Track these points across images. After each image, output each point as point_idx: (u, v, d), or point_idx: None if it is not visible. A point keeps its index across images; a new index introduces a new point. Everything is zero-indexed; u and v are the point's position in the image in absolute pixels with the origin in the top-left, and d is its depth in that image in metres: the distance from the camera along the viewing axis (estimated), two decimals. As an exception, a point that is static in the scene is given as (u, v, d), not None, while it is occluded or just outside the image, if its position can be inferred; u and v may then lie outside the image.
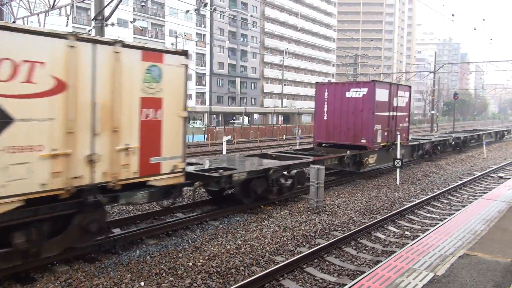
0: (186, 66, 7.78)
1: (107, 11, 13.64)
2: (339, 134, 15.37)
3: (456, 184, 14.32)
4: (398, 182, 14.48)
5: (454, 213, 9.28)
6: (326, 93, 15.72)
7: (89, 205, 6.59)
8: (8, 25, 5.72)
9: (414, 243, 6.44)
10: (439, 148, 22.14)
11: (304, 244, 8.00)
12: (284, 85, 67.67)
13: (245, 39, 70.01)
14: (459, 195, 13.01)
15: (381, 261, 6.54)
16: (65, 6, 17.11)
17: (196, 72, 61.08)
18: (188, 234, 8.45)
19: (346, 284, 5.63)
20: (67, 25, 20.67)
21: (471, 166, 19.70)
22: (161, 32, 57.57)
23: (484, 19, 37.21)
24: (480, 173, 16.75)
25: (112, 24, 22.17)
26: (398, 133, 15.72)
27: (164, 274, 6.41)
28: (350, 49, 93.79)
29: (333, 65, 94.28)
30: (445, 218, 9.69)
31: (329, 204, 11.20)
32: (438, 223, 8.89)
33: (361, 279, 5.06)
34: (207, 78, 64.46)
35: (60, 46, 6.06)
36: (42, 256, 6.31)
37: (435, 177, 16.29)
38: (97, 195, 6.63)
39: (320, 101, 15.93)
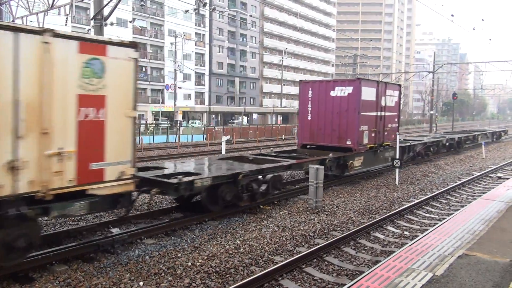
0: (136, 60, 6.97)
1: (106, 11, 13.63)
2: (323, 135, 14.63)
3: (455, 184, 14.34)
4: (397, 182, 14.49)
5: (453, 213, 9.29)
6: (310, 92, 14.89)
7: (11, 219, 5.78)
8: None
9: (413, 243, 6.44)
10: (431, 149, 21.45)
11: (303, 244, 8.00)
12: (284, 85, 67.70)
13: (244, 39, 69.98)
14: (458, 195, 13.02)
15: (380, 261, 6.55)
16: (64, 6, 17.09)
17: (195, 72, 61.07)
18: (187, 234, 8.44)
19: (345, 284, 5.63)
20: (66, 25, 20.64)
21: (470, 166, 19.72)
22: (160, 31, 57.53)
23: (483, 20, 37.33)
24: (479, 173, 16.77)
25: (111, 24, 22.15)
26: (397, 133, 15.70)
27: (163, 274, 6.41)
28: (349, 49, 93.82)
29: (333, 65, 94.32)
30: (444, 218, 9.70)
31: (328, 204, 11.21)
32: (437, 223, 8.90)
33: (360, 279, 5.06)
34: (206, 78, 64.44)
35: None
36: None
37: (434, 177, 16.30)
38: (21, 207, 5.79)
39: (304, 100, 15.10)
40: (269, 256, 7.29)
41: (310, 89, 14.90)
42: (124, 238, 7.75)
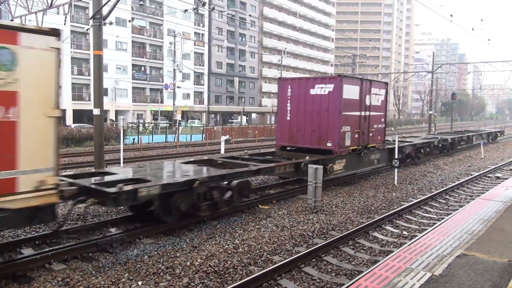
0: (59, 50, 6.10)
1: (105, 10, 13.61)
2: (303, 136, 13.69)
3: (454, 184, 14.35)
4: (396, 182, 14.50)
5: (451, 213, 9.30)
6: (289, 90, 13.97)
7: None
8: None
9: (411, 243, 6.44)
10: (422, 151, 20.25)
11: (302, 243, 8.01)
12: (283, 84, 67.53)
13: (244, 39, 69.97)
14: (457, 195, 13.03)
15: (379, 260, 6.55)
16: (63, 5, 17.07)
17: (194, 72, 61.06)
18: (186, 234, 8.44)
19: (343, 284, 5.63)
20: (65, 24, 20.63)
21: (469, 166, 19.75)
22: (159, 31, 57.51)
23: (482, 20, 37.31)
24: (477, 173, 16.79)
25: (111, 23, 22.14)
26: (396, 132, 15.63)
27: (161, 274, 6.41)
28: (349, 49, 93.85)
29: (332, 65, 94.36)
30: (442, 218, 9.71)
31: (327, 203, 11.21)
32: (435, 223, 8.91)
33: (358, 279, 5.06)
34: (206, 77, 64.44)
35: None
36: None
37: (433, 177, 16.32)
38: None
39: (283, 99, 14.18)
40: (268, 255, 7.29)
41: (289, 87, 14.04)
42: (123, 237, 7.75)
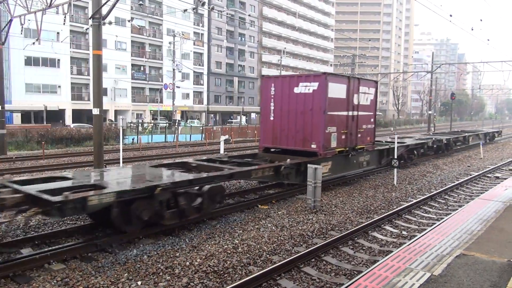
0: None
1: (104, 10, 13.60)
2: (287, 137, 13.01)
3: (453, 184, 14.36)
4: (395, 182, 14.51)
5: (451, 213, 9.31)
6: (273, 88, 13.25)
7: None
8: None
9: (411, 243, 6.45)
10: (415, 152, 19.46)
11: (301, 243, 8.01)
12: (282, 84, 67.56)
13: (243, 39, 69.97)
14: (456, 195, 13.04)
15: (378, 260, 6.55)
16: (63, 5, 17.05)
17: (194, 71, 61.05)
18: (186, 234, 8.44)
19: (343, 284, 5.64)
20: (64, 23, 20.63)
21: (468, 166, 19.76)
22: (158, 31, 57.49)
23: (481, 20, 37.31)
24: (477, 173, 16.80)
25: (110, 23, 22.12)
26: (395, 132, 15.49)
27: (161, 274, 6.40)
28: (348, 49, 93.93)
29: (331, 65, 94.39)
30: (442, 218, 9.72)
31: (326, 203, 11.21)
32: (435, 223, 8.92)
33: (358, 279, 5.06)
34: (205, 77, 64.42)
35: None
36: None
37: (432, 177, 16.33)
38: None
39: (266, 98, 13.45)
40: (267, 255, 7.29)
41: (272, 85, 13.31)
42: (122, 237, 7.74)
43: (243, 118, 64.20)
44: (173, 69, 47.32)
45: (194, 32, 61.66)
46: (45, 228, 8.42)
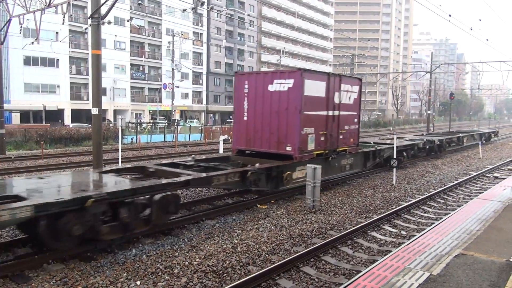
0: None
1: (103, 9, 13.59)
2: (261, 139, 12.07)
3: (452, 184, 14.37)
4: (394, 182, 14.52)
5: (450, 213, 9.32)
6: (246, 86, 12.31)
7: None
8: None
9: (410, 243, 6.45)
10: (405, 154, 18.34)
11: (301, 243, 8.01)
12: (281, 84, 67.56)
13: (242, 38, 69.97)
14: (455, 195, 13.06)
15: (377, 260, 6.55)
16: (62, 4, 17.02)
17: (193, 71, 61.03)
18: (185, 233, 8.44)
19: (342, 284, 5.64)
20: (63, 23, 20.60)
21: (467, 166, 19.79)
22: (158, 30, 57.47)
23: (480, 20, 37.32)
24: (475, 173, 16.82)
25: (109, 23, 22.11)
26: (395, 132, 15.31)
27: (160, 273, 6.40)
28: (347, 49, 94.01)
29: (330, 65, 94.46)
30: (441, 218, 9.73)
31: (325, 203, 11.22)
32: (434, 223, 8.93)
33: (357, 279, 5.06)
34: (204, 77, 64.40)
35: None
36: None
37: (431, 176, 16.34)
38: None
39: (240, 97, 12.50)
40: (267, 255, 7.29)
41: (246, 82, 12.36)
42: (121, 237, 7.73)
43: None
44: (172, 69, 47.31)
45: (193, 32, 61.66)
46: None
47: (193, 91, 62.77)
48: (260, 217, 9.73)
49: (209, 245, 7.72)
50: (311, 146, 11.90)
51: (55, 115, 45.16)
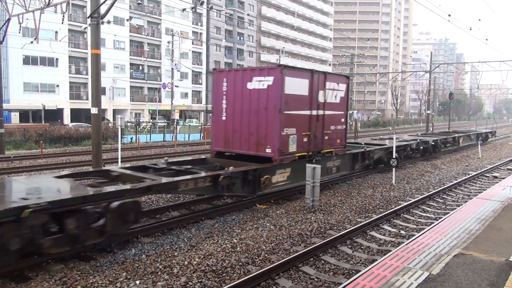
0: None
1: (103, 9, 13.58)
2: (240, 140, 11.37)
3: (451, 183, 14.38)
4: (393, 182, 14.53)
5: (449, 213, 9.32)
6: (225, 84, 11.65)
7: None
8: None
9: (409, 242, 6.46)
10: (397, 155, 16.20)
11: (300, 243, 8.01)
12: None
13: (242, 38, 69.95)
14: (454, 195, 13.06)
15: (377, 260, 6.56)
16: (61, 4, 17.01)
17: (193, 71, 60.99)
18: (184, 233, 8.43)
19: (341, 283, 5.63)
20: (62, 23, 20.58)
21: (466, 166, 19.80)
22: (157, 30, 57.42)
23: (480, 20, 37.35)
24: (475, 173, 16.83)
25: (108, 22, 22.10)
26: (394, 132, 15.24)
27: (159, 273, 6.40)
28: (347, 49, 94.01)
29: (330, 65, 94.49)
30: (440, 218, 9.74)
31: (324, 203, 11.22)
32: (433, 223, 8.93)
33: (356, 278, 5.07)
34: (204, 76, 64.37)
35: None
36: None
37: (431, 176, 16.36)
38: None
39: (218, 95, 11.83)
40: (266, 255, 7.29)
41: (224, 80, 11.68)
42: (121, 236, 7.73)
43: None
44: (172, 69, 47.29)
45: (193, 32, 61.63)
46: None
47: (192, 90, 62.74)
48: (259, 217, 9.73)
49: (209, 244, 7.72)
50: (292, 147, 11.19)
51: (54, 115, 45.12)
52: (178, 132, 34.81)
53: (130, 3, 52.13)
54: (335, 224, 9.30)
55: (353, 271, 6.71)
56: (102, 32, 14.21)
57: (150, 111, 56.46)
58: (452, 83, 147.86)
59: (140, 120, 44.74)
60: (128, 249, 7.39)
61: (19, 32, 21.37)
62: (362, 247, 7.95)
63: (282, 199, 11.68)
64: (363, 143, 17.58)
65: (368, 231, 8.86)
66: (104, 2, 13.50)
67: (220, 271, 6.51)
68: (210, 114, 64.79)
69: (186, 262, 6.79)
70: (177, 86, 51.45)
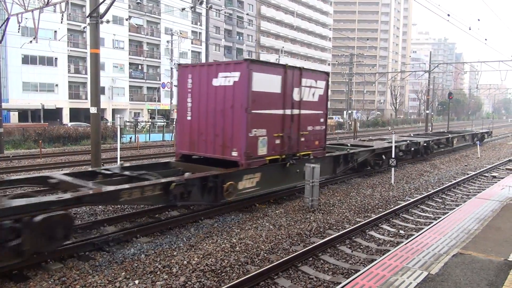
0: None
1: (102, 8, 13.56)
2: (205, 142, 10.37)
3: (450, 183, 14.40)
4: (392, 181, 14.53)
5: (448, 212, 9.34)
6: (190, 80, 10.67)
7: None
8: None
9: (408, 242, 6.46)
10: (384, 157, 16.27)
11: (299, 242, 8.02)
12: (280, 83, 67.51)
13: (241, 38, 69.94)
14: (453, 194, 13.08)
15: (376, 259, 6.57)
16: (60, 3, 16.99)
17: (192, 70, 60.90)
18: (183, 233, 8.43)
19: (340, 283, 5.64)
20: (61, 22, 20.55)
21: (465, 165, 19.82)
22: (156, 29, 57.38)
23: (479, 19, 37.31)
24: (474, 173, 16.85)
25: (108, 21, 22.06)
26: (393, 132, 15.33)
27: (158, 272, 6.40)
28: (346, 48, 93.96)
29: (329, 64, 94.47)
30: (439, 217, 9.75)
31: (324, 203, 11.22)
32: (432, 222, 8.94)
33: (355, 278, 5.07)
34: (203, 76, 64.25)
35: None
36: None
37: (430, 176, 16.37)
38: None
39: (183, 93, 10.91)
40: (265, 254, 7.29)
41: (189, 76, 10.71)
42: (120, 236, 7.73)
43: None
44: (171, 68, 47.23)
45: (192, 31, 61.59)
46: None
47: (191, 90, 62.67)
48: (258, 217, 9.73)
49: (208, 244, 7.72)
50: (262, 150, 10.13)
51: (53, 114, 45.04)
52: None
53: (130, 2, 52.09)
54: (334, 224, 9.31)
55: (352, 270, 6.72)
56: (101, 32, 14.20)
57: (150, 110, 56.42)
58: (451, 83, 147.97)
59: (138, 120, 44.71)
60: (127, 249, 7.39)
61: (18, 31, 21.34)
62: (361, 247, 7.96)
63: (281, 198, 11.68)
64: (348, 145, 16.74)
65: (367, 230, 8.87)
66: (103, 2, 13.49)
67: (219, 271, 6.51)
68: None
69: (185, 262, 6.78)
70: (177, 86, 51.35)
